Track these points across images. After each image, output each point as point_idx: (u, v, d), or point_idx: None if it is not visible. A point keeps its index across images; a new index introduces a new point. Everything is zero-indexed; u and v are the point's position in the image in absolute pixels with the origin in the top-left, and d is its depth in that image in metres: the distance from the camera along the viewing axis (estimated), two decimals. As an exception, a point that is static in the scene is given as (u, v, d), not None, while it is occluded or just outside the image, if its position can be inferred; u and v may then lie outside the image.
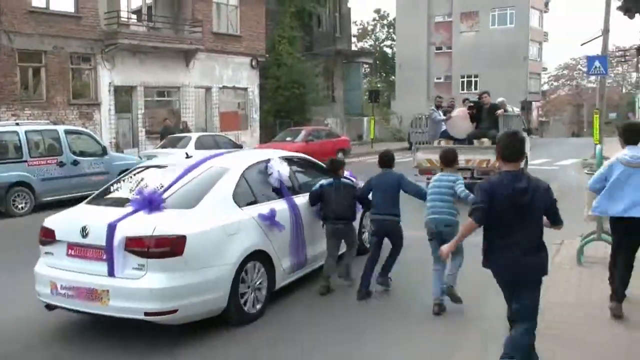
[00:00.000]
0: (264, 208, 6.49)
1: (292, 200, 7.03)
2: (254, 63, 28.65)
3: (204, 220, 5.80)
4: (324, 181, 7.30)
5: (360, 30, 76.44)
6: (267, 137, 27.81)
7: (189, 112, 25.78)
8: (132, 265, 5.43)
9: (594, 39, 23.98)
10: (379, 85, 58.37)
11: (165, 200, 5.88)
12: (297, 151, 21.11)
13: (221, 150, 10.08)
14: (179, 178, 6.28)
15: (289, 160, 7.59)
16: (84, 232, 5.65)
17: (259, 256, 6.23)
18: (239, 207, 6.28)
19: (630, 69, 69.94)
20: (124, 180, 6.87)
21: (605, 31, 22.92)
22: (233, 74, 27.90)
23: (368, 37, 79.17)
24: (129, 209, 5.81)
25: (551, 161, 24.90)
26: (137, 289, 5.35)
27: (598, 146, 7.91)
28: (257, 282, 6.23)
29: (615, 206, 5.56)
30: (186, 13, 25.76)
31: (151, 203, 5.77)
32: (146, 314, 5.35)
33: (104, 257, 5.50)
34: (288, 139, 23.60)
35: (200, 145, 19.18)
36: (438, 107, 16.09)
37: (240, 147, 20.59)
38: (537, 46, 59.45)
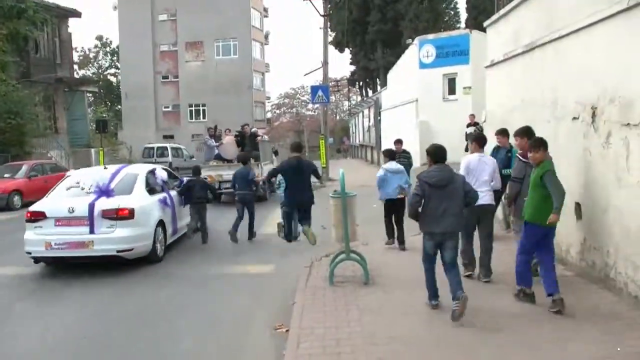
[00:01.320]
0: (160, 196, 11.14)
1: (169, 192, 11.69)
2: (-41, 91, 25.28)
3: (139, 201, 10.13)
4: (186, 179, 12.53)
5: (81, 57, 72.63)
6: (-21, 173, 24.52)
7: None
8: (106, 226, 9.56)
9: (316, 69, 25.90)
10: (104, 115, 55.67)
11: (112, 191, 10.01)
12: (18, 188, 19.20)
13: (124, 164, 14.29)
14: (112, 179, 10.44)
15: (164, 170, 12.38)
16: (71, 210, 9.59)
17: (161, 223, 10.64)
18: (149, 195, 10.74)
19: (343, 97, 77.01)
20: (66, 182, 10.77)
21: (325, 63, 24.88)
22: None
23: (90, 65, 75.63)
24: (92, 196, 9.85)
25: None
26: (112, 238, 9.53)
27: (341, 170, 8.48)
28: (160, 239, 10.56)
29: (388, 193, 10.11)
30: None
31: (107, 192, 9.95)
32: (117, 251, 9.55)
33: (86, 223, 9.51)
34: (6, 175, 20.94)
35: None
36: (211, 136, 20.42)
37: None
38: (260, 76, 62.29)
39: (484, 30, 13.77)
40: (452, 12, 54.64)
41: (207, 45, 57.85)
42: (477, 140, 8.22)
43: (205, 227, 12.16)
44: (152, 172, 11.53)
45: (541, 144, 6.60)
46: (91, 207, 9.52)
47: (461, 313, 6.06)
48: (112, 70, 74.80)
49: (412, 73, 26.20)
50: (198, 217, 11.99)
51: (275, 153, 19.35)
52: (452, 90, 24.71)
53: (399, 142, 14.42)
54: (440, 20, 48.33)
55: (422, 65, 25.01)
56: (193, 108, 58.69)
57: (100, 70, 75.45)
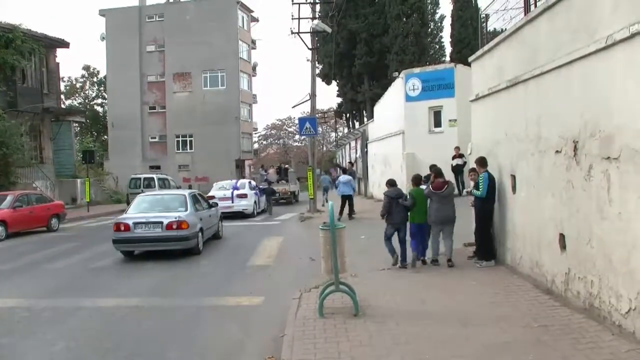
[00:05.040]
0: (255, 190, 27.96)
1: (257, 189, 28.51)
2: (-56, 120, 25.17)
3: (248, 191, 27.08)
4: (262, 186, 30.18)
5: (68, 87, 72.63)
6: (-37, 204, 24.23)
7: None
8: (239, 201, 26.19)
9: (303, 101, 26.25)
10: (91, 145, 55.46)
11: (239, 187, 27.08)
12: (3, 219, 18.99)
13: (238, 178, 36.78)
14: (236, 183, 28.32)
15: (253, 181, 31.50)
16: (225, 195, 26.04)
17: (255, 201, 27.33)
18: (251, 190, 27.51)
19: (330, 129, 77.47)
20: (216, 186, 28.44)
21: (312, 95, 25.13)
22: None
23: (77, 95, 75.62)
24: (231, 190, 26.66)
25: (270, 216, 26.24)
26: (240, 204, 26.08)
27: (330, 202, 8.71)
28: (255, 207, 27.18)
29: (345, 191, 21.48)
30: None
31: (237, 188, 26.94)
32: (242, 209, 26.15)
33: (230, 199, 25.93)
34: (-9, 205, 20.86)
35: None
36: (261, 168, 40.86)
37: None
38: (247, 107, 62.63)
39: (468, 64, 14.04)
40: (437, 46, 55.33)
41: (195, 76, 58.26)
42: (415, 180, 11.77)
43: (271, 208, 27.66)
44: (250, 181, 28.64)
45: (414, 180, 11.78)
46: (232, 193, 25.66)
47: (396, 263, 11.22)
48: (99, 101, 74.71)
49: (398, 106, 26.53)
50: (268, 203, 27.52)
51: (299, 179, 33.27)
52: (438, 122, 25.02)
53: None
54: (426, 53, 48.90)
55: (409, 98, 25.35)
56: (180, 139, 58.83)
57: (87, 100, 75.39)
